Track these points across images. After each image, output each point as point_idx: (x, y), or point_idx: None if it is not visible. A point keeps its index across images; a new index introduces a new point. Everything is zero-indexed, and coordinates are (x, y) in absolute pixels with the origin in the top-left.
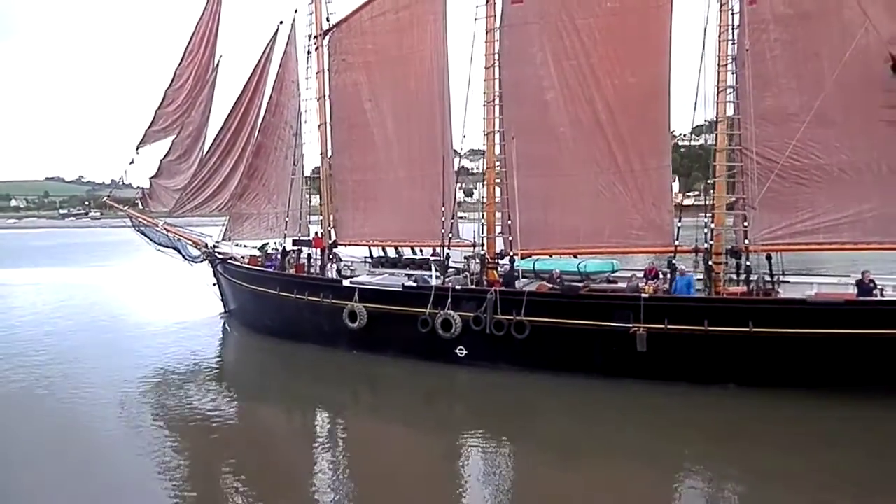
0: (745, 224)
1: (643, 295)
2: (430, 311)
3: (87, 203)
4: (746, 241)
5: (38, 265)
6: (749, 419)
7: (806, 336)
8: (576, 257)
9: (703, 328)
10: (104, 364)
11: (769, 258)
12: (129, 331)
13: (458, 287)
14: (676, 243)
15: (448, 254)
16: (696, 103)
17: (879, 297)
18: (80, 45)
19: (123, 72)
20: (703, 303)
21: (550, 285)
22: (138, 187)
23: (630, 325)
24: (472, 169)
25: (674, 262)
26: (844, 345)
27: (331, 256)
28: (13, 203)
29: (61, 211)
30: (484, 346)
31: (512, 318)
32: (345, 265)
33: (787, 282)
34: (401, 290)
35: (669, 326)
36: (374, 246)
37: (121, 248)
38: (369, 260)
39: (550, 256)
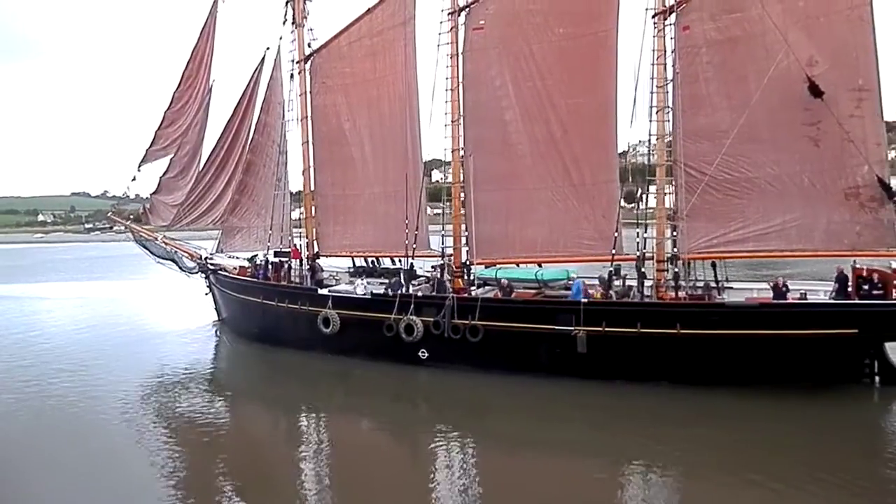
0: (675, 234)
1: (583, 300)
2: (395, 317)
3: (110, 215)
4: (675, 250)
5: (65, 279)
6: (678, 414)
7: (726, 337)
8: (540, 266)
9: (636, 330)
10: (110, 369)
11: (714, 265)
12: (135, 339)
13: (419, 294)
14: (614, 251)
15: (412, 263)
16: (631, 122)
17: (792, 301)
18: (103, 63)
19: (146, 88)
20: (636, 307)
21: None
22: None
23: (572, 329)
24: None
25: (610, 269)
26: (761, 344)
27: (309, 267)
28: (40, 218)
29: (87, 225)
30: (443, 349)
31: (467, 322)
32: (329, 275)
33: (731, 287)
34: (369, 297)
35: (607, 329)
36: (352, 257)
37: (140, 260)
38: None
39: (518, 265)
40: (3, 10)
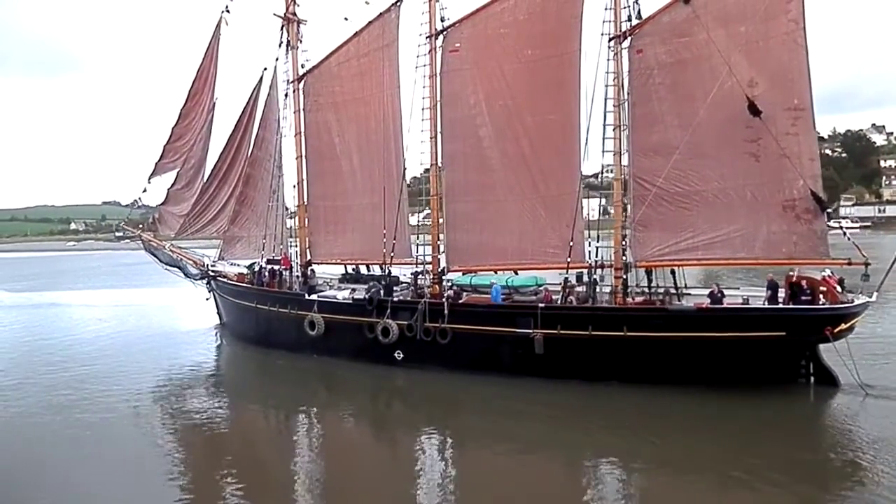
0: (624, 243)
1: (540, 304)
2: (373, 321)
3: (140, 226)
4: (624, 258)
5: (109, 287)
6: (628, 412)
7: (668, 339)
8: (516, 273)
9: (587, 333)
10: (126, 369)
11: (673, 272)
12: (146, 342)
13: (395, 299)
14: (569, 259)
15: (390, 270)
16: (586, 139)
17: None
18: (135, 77)
19: (173, 100)
20: (587, 311)
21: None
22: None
23: (530, 331)
24: None
25: (566, 276)
26: (700, 346)
27: (298, 274)
28: (73, 226)
29: (117, 234)
30: (416, 350)
31: (437, 325)
32: (324, 282)
33: (689, 294)
34: (350, 302)
35: (561, 331)
36: (343, 264)
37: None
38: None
39: (496, 272)
40: (47, 28)
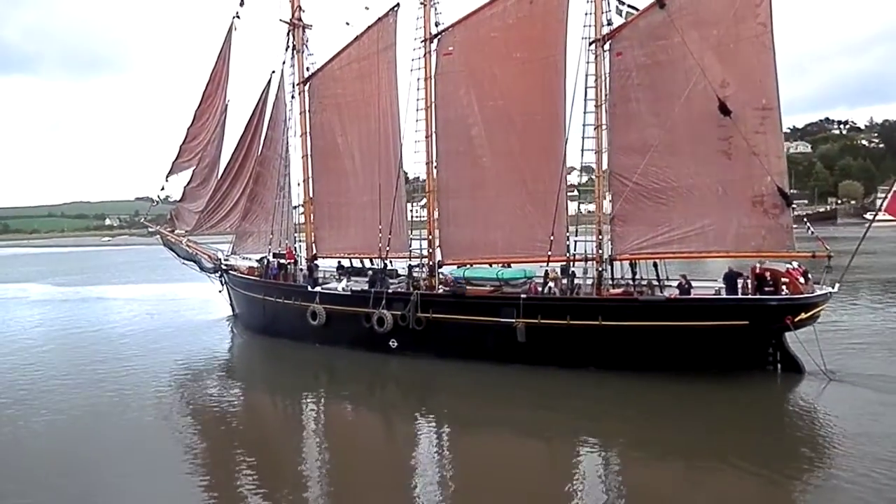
0: (600, 237)
1: (522, 295)
2: (370, 311)
3: (169, 220)
4: (600, 251)
5: (154, 281)
6: (602, 397)
7: (640, 327)
8: (509, 266)
9: (566, 322)
10: (149, 357)
11: (655, 265)
12: (167, 330)
13: (389, 290)
14: (550, 253)
15: (386, 264)
16: (566, 139)
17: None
18: (166, 75)
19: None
20: (565, 301)
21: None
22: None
23: (513, 321)
24: None
25: (546, 269)
26: (671, 334)
27: (302, 268)
28: (107, 222)
29: (150, 229)
30: (409, 339)
31: (429, 315)
32: (330, 275)
33: (670, 286)
34: (349, 293)
35: (542, 320)
36: (346, 258)
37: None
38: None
39: (491, 265)
40: (87, 30)
